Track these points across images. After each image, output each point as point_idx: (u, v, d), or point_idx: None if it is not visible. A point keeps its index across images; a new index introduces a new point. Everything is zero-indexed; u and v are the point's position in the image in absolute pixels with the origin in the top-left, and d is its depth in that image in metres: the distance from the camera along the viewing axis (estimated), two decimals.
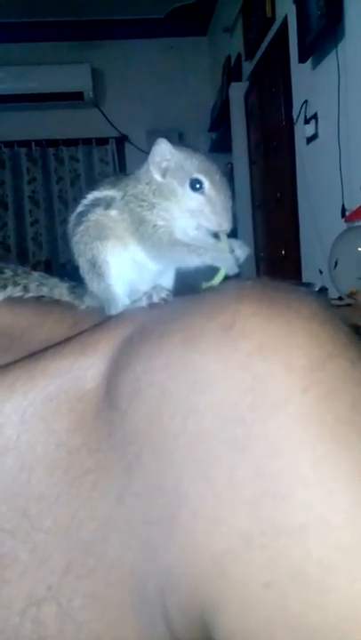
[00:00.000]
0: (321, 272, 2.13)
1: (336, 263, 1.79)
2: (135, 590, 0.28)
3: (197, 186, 0.37)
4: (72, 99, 4.17)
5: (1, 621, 0.29)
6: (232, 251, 0.37)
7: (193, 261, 0.37)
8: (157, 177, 0.38)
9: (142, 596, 0.28)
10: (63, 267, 4.05)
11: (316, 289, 1.94)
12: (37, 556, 0.29)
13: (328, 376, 0.26)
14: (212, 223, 0.37)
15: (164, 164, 0.38)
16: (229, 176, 3.47)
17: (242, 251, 0.37)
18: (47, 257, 4.36)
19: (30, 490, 0.30)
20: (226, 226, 0.37)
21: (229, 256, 0.36)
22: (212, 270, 0.37)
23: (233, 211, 0.37)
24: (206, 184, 0.37)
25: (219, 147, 3.95)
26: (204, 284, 0.37)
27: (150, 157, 0.38)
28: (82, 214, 0.39)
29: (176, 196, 0.37)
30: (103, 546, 0.29)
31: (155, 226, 0.37)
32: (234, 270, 0.36)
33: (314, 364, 0.26)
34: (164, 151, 0.38)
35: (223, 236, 0.37)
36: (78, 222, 0.39)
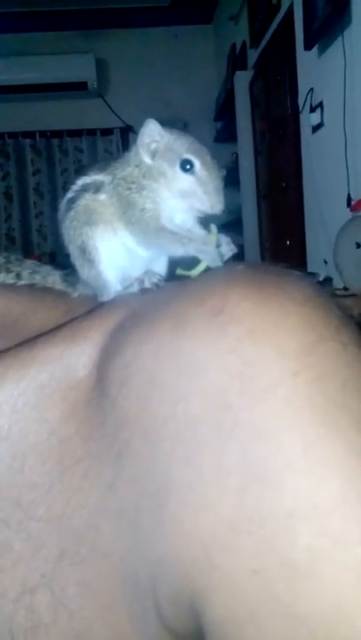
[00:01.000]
0: (326, 262, 2.11)
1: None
2: (127, 579, 0.28)
3: (188, 167, 0.36)
4: (76, 89, 4.15)
5: None
6: (219, 246, 0.36)
7: (177, 250, 0.37)
8: (147, 159, 0.37)
9: (134, 584, 0.28)
10: (67, 257, 4.05)
11: (321, 279, 1.93)
12: (31, 545, 0.29)
13: (319, 359, 0.26)
14: (205, 204, 0.36)
15: (153, 146, 0.37)
16: (234, 165, 3.45)
17: (228, 248, 0.37)
18: (52, 249, 4.36)
19: (23, 479, 0.30)
20: (219, 207, 0.36)
21: (213, 250, 0.36)
22: (196, 260, 0.36)
23: (224, 192, 0.37)
24: (197, 164, 0.36)
25: (224, 136, 3.92)
26: (179, 271, 0.36)
27: (139, 139, 0.37)
28: (71, 200, 0.39)
29: (166, 178, 0.37)
30: (95, 534, 0.29)
31: (143, 209, 0.37)
32: (216, 264, 0.36)
33: (305, 347, 0.26)
34: (152, 132, 0.37)
35: (214, 229, 0.37)
36: (68, 208, 0.39)
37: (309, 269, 2.44)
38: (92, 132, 4.45)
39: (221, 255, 0.36)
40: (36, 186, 4.45)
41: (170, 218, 0.37)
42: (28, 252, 4.33)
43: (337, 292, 1.79)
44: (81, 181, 0.39)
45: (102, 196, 0.38)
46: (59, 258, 4.22)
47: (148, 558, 0.27)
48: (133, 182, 0.37)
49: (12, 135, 4.36)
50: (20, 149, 4.43)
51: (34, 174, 4.44)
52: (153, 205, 0.37)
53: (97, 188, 0.38)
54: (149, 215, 0.37)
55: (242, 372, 0.26)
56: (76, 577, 0.29)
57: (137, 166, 0.37)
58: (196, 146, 0.37)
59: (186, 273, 0.37)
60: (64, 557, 0.29)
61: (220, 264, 0.36)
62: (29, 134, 4.38)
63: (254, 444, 0.25)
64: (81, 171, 0.40)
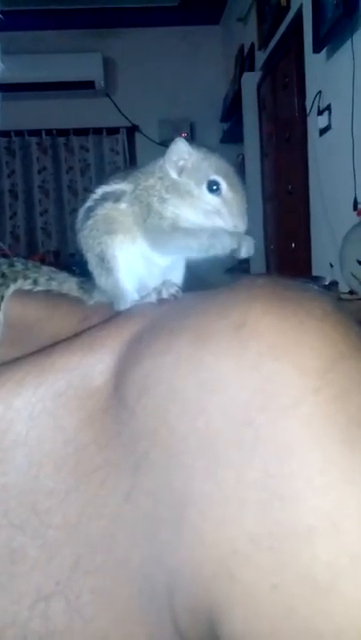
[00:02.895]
0: (332, 266, 2.11)
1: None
2: (143, 588, 0.28)
3: (215, 187, 0.37)
4: (83, 88, 4.15)
5: (10, 616, 0.29)
6: (238, 245, 0.36)
7: (191, 244, 0.37)
8: (173, 175, 0.38)
9: (150, 594, 0.28)
10: (72, 257, 4.05)
11: (327, 283, 1.93)
12: (46, 552, 0.29)
13: (340, 377, 0.26)
14: (228, 223, 0.37)
15: (181, 163, 0.38)
16: (240, 167, 3.44)
17: (246, 248, 0.36)
18: (56, 247, 4.36)
19: (39, 486, 0.30)
20: (242, 226, 0.37)
21: (227, 239, 0.36)
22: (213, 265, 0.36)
23: (248, 213, 0.37)
24: (224, 186, 0.37)
25: (230, 137, 3.92)
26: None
27: (167, 156, 0.38)
28: (90, 209, 0.39)
29: (192, 196, 0.37)
30: (111, 543, 0.29)
31: (161, 217, 0.37)
32: (226, 250, 0.36)
33: (326, 364, 0.26)
34: (181, 150, 0.37)
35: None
36: (87, 217, 0.39)
37: (315, 273, 2.44)
38: (98, 131, 4.45)
39: (236, 248, 0.36)
40: (42, 184, 4.46)
41: (188, 222, 0.37)
42: (32, 249, 4.34)
43: (343, 297, 1.79)
44: (101, 190, 0.39)
45: (123, 205, 0.38)
46: (63, 256, 4.20)
47: (166, 569, 0.27)
48: (155, 195, 0.37)
49: (19, 133, 4.36)
50: (26, 147, 4.43)
51: (39, 172, 4.45)
52: (172, 214, 0.37)
53: (117, 197, 0.38)
54: (168, 224, 0.37)
55: (263, 388, 0.26)
56: (91, 585, 0.29)
57: (161, 178, 0.38)
58: (224, 166, 0.37)
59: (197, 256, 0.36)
60: (79, 565, 0.29)
61: (231, 249, 0.36)
62: (36, 132, 4.39)
63: (276, 461, 0.25)
64: (101, 179, 0.40)
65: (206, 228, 0.37)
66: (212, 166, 0.37)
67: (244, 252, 0.36)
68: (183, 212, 0.37)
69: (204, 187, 0.37)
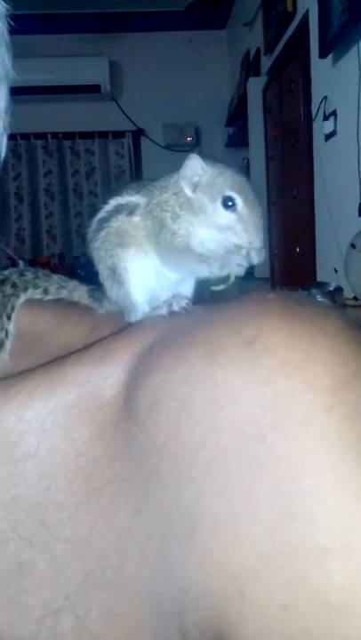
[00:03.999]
0: (336, 271, 2.11)
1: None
2: (152, 604, 0.28)
3: (230, 203, 0.36)
4: (89, 91, 4.16)
5: (18, 629, 0.29)
6: (248, 257, 0.36)
7: (202, 271, 0.37)
8: (188, 191, 0.37)
9: (159, 610, 0.28)
10: (77, 259, 4.06)
11: (331, 288, 1.92)
12: (55, 566, 0.29)
13: (353, 396, 0.26)
14: (243, 240, 0.36)
15: (195, 179, 0.37)
16: (246, 171, 3.44)
17: (257, 256, 0.36)
18: (61, 250, 4.37)
19: (50, 498, 0.30)
20: (257, 243, 0.36)
21: (238, 258, 0.36)
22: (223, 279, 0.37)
23: (264, 230, 0.37)
24: (239, 202, 0.36)
25: (235, 142, 3.92)
26: (213, 288, 0.37)
27: (181, 172, 0.37)
28: (103, 220, 0.39)
29: (206, 213, 0.37)
30: (121, 558, 0.29)
31: (174, 234, 0.37)
32: (243, 270, 0.36)
33: (338, 382, 0.26)
34: (195, 166, 0.37)
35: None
36: (99, 228, 0.39)
37: (319, 278, 2.43)
38: (103, 135, 4.46)
39: (249, 261, 0.36)
40: (47, 187, 4.47)
41: (201, 244, 0.37)
42: (37, 252, 4.35)
43: (347, 302, 1.78)
44: (114, 202, 0.39)
45: (136, 219, 0.38)
46: (68, 259, 4.20)
47: (175, 585, 0.27)
48: (169, 210, 0.37)
49: (24, 136, 4.37)
50: (32, 150, 4.44)
51: (45, 175, 4.46)
52: (185, 232, 0.37)
53: (131, 210, 0.38)
54: (180, 240, 0.37)
55: (275, 405, 0.26)
56: (100, 600, 0.29)
57: (175, 194, 0.38)
58: (239, 182, 0.37)
59: (217, 288, 0.37)
60: (89, 580, 0.29)
61: (247, 264, 0.36)
62: (41, 135, 4.40)
63: (287, 479, 0.25)
64: (113, 191, 0.40)
65: (219, 253, 0.37)
66: (227, 182, 0.37)
67: (256, 259, 0.36)
68: (196, 229, 0.37)
69: (219, 203, 0.36)
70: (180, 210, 0.37)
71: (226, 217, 0.36)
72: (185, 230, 0.37)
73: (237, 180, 0.37)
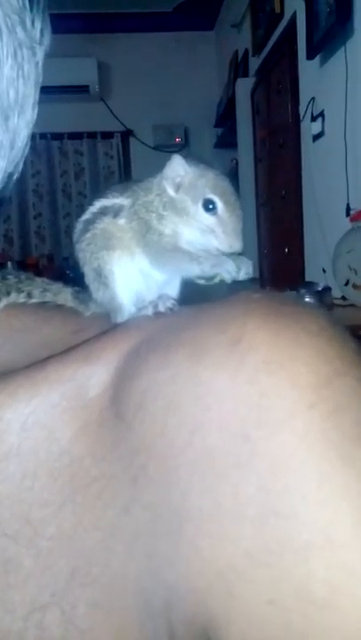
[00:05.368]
0: (324, 271, 2.12)
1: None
2: (139, 601, 0.28)
3: (210, 206, 0.36)
4: (78, 92, 4.15)
5: (5, 626, 0.29)
6: (238, 270, 0.36)
7: (193, 269, 0.37)
8: (171, 191, 0.37)
9: (146, 607, 0.28)
10: (66, 260, 4.05)
11: (320, 288, 1.93)
12: (41, 563, 0.29)
13: (335, 393, 0.26)
14: (223, 244, 0.36)
15: (178, 180, 0.37)
16: (234, 172, 3.45)
17: (245, 272, 0.36)
18: (50, 250, 4.35)
19: (33, 496, 0.30)
20: (237, 246, 0.36)
21: (230, 265, 0.36)
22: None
23: (243, 232, 0.37)
24: (220, 205, 0.36)
25: (224, 143, 3.93)
26: (198, 282, 0.37)
27: (164, 172, 0.38)
28: (89, 222, 0.39)
29: (188, 214, 0.37)
30: (108, 555, 0.29)
31: (161, 234, 0.37)
32: (231, 277, 0.36)
33: (321, 380, 0.26)
34: (178, 167, 0.37)
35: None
36: (85, 229, 0.39)
37: (308, 278, 2.45)
38: (92, 135, 4.45)
39: (237, 272, 0.36)
40: (36, 187, 4.45)
41: (189, 243, 0.37)
42: (25, 253, 4.33)
43: (335, 302, 1.79)
44: (99, 203, 0.39)
45: (121, 221, 0.38)
46: (57, 259, 4.17)
47: (163, 582, 0.27)
48: (153, 211, 0.37)
49: None
50: (22, 159, 4.42)
51: (33, 176, 4.44)
52: (171, 232, 0.37)
53: (116, 212, 0.38)
54: (167, 240, 0.37)
55: (259, 404, 0.26)
56: (87, 597, 0.29)
57: (159, 195, 0.38)
58: (220, 184, 0.37)
59: (202, 283, 0.37)
60: (75, 577, 0.29)
61: (235, 276, 0.36)
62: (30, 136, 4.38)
63: (271, 476, 0.25)
64: (98, 193, 0.40)
65: (209, 254, 0.37)
66: (208, 184, 0.37)
67: (243, 275, 0.36)
68: (180, 229, 0.37)
69: (200, 205, 0.37)
70: (163, 210, 0.37)
71: (206, 219, 0.37)
72: (171, 230, 0.37)
73: (219, 182, 0.37)
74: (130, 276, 0.38)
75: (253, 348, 0.27)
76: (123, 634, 0.28)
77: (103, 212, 0.39)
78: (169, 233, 0.37)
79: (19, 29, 0.32)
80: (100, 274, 0.38)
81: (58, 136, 4.41)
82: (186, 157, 0.38)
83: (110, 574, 0.29)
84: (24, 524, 0.30)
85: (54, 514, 0.30)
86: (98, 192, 0.40)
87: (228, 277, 0.36)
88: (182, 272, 0.38)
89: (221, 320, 0.29)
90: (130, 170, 4.44)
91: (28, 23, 0.33)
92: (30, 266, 3.67)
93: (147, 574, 0.28)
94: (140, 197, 0.38)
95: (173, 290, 0.39)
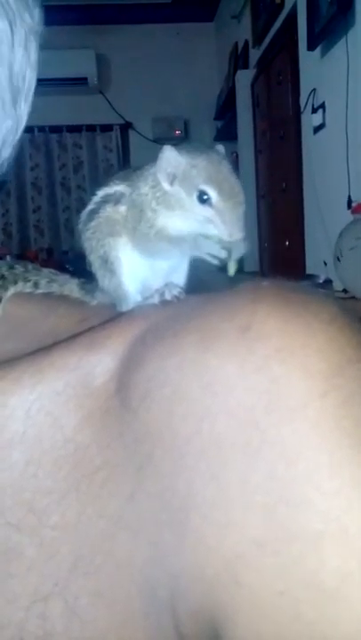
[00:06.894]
0: (325, 264, 2.12)
1: (340, 255, 1.78)
2: (144, 591, 0.28)
3: (205, 197, 0.35)
4: (76, 84, 4.12)
5: (6, 616, 0.29)
6: (229, 250, 0.35)
7: (173, 252, 0.36)
8: (166, 185, 0.36)
9: (151, 597, 0.28)
10: (65, 254, 4.04)
11: (321, 281, 1.93)
12: (44, 552, 0.29)
13: (347, 382, 0.26)
14: (223, 233, 0.35)
15: (171, 171, 0.36)
16: (235, 165, 3.44)
17: (237, 252, 0.35)
18: (49, 244, 4.34)
19: (37, 484, 0.30)
20: (238, 234, 0.35)
21: (215, 249, 0.35)
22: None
23: (244, 217, 0.35)
24: (214, 195, 0.35)
25: (224, 135, 3.91)
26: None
27: (157, 164, 0.36)
28: (93, 211, 0.39)
29: (183, 207, 0.36)
30: (112, 544, 0.29)
31: (151, 226, 0.36)
32: (214, 260, 0.35)
33: (333, 368, 0.26)
34: (169, 159, 0.36)
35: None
36: (89, 219, 0.39)
37: (309, 271, 2.45)
38: (91, 128, 4.43)
39: (228, 252, 0.35)
40: (34, 181, 4.43)
41: (178, 231, 0.37)
42: (24, 247, 4.32)
43: (337, 295, 1.79)
44: (102, 192, 0.39)
45: (122, 208, 0.38)
46: (56, 253, 4.16)
47: (168, 572, 0.27)
48: (147, 205, 0.37)
49: None
50: (19, 144, 4.40)
51: (32, 169, 4.42)
52: (162, 224, 0.36)
53: (117, 199, 0.38)
54: (155, 232, 0.36)
55: (269, 391, 0.26)
56: (90, 586, 0.29)
57: (153, 187, 0.37)
58: (214, 172, 0.35)
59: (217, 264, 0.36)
60: (78, 566, 0.29)
61: (219, 257, 0.35)
62: (28, 129, 4.28)
63: (282, 464, 0.25)
64: (102, 181, 0.39)
65: (190, 236, 0.36)
66: (200, 174, 0.35)
67: (234, 256, 0.35)
68: (175, 222, 0.36)
69: (195, 197, 0.35)
70: (156, 205, 0.36)
71: (203, 211, 0.35)
72: (162, 222, 0.36)
73: (212, 169, 0.35)
74: (135, 262, 0.38)
75: (263, 335, 0.27)
76: (127, 624, 0.28)
77: (106, 199, 0.38)
78: (159, 224, 0.36)
79: (26, 16, 0.32)
80: (106, 260, 0.38)
81: (56, 129, 4.39)
82: (179, 147, 0.36)
83: (114, 563, 0.28)
84: (27, 512, 0.30)
85: (58, 502, 0.29)
86: (97, 185, 0.40)
87: (213, 261, 0.35)
88: (167, 255, 0.37)
89: (230, 308, 0.29)
90: (129, 163, 4.42)
91: (34, 11, 0.33)
92: (29, 259, 3.67)
93: (151, 564, 0.28)
94: (140, 186, 0.37)
95: (180, 278, 0.39)
